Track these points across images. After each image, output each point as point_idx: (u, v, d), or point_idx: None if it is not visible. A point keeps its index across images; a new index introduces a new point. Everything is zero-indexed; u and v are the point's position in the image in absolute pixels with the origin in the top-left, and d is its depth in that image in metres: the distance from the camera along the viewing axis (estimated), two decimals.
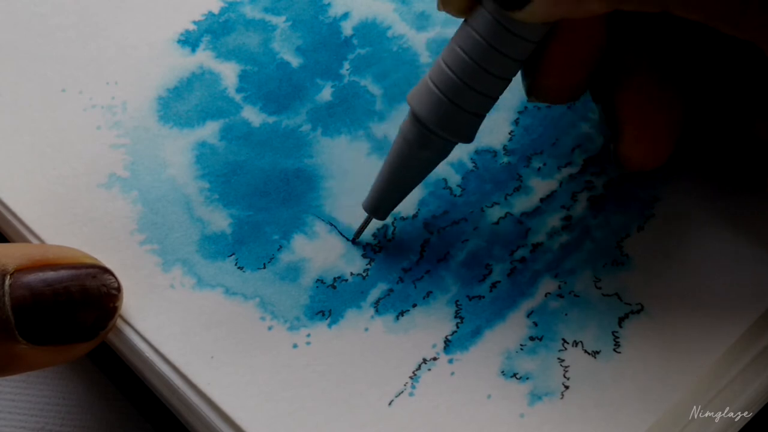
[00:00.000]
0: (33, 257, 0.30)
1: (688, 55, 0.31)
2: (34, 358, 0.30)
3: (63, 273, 0.30)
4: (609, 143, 0.33)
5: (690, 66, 0.31)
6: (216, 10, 0.38)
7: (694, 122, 0.32)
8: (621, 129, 0.31)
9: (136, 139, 0.35)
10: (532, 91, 0.31)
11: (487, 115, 0.33)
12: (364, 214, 0.33)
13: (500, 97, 0.32)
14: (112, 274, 0.31)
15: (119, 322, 0.31)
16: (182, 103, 0.36)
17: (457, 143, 0.31)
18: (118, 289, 0.31)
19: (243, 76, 0.36)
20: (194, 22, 0.37)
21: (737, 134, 0.32)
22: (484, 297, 0.31)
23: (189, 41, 0.37)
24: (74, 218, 0.33)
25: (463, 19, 0.30)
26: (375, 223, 0.33)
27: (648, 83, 0.31)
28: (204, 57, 0.37)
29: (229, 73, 0.36)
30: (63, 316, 0.30)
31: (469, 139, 0.31)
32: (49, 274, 0.30)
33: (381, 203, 0.32)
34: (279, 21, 0.37)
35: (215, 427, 0.30)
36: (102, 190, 0.34)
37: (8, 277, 0.29)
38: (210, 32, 0.37)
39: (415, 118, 0.30)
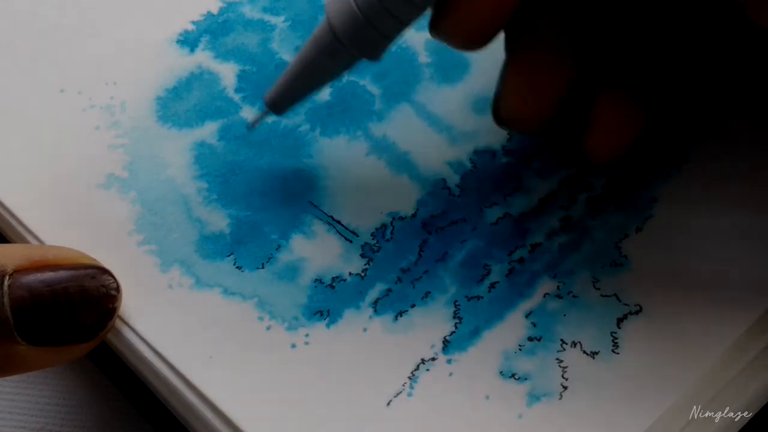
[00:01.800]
0: (32, 258, 0.30)
1: (592, 20, 0.31)
2: (33, 359, 0.30)
3: (62, 274, 0.30)
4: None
5: (590, 32, 0.31)
6: (215, 11, 0.38)
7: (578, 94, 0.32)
8: (505, 80, 0.31)
9: (135, 139, 0.35)
10: (435, 29, 0.31)
11: (486, 115, 0.34)
12: (361, 214, 0.33)
13: None
14: (111, 274, 0.31)
15: (118, 323, 0.31)
16: (181, 103, 0.36)
17: (361, 59, 0.31)
18: (117, 289, 0.31)
19: (242, 76, 0.36)
20: (193, 22, 0.37)
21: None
22: (482, 297, 0.31)
23: (188, 41, 0.37)
24: (72, 218, 0.33)
25: None
26: (373, 222, 0.33)
27: (544, 37, 0.31)
28: (203, 57, 0.36)
29: (228, 73, 0.36)
30: (62, 316, 0.30)
31: (375, 58, 0.31)
32: (48, 275, 0.30)
33: (281, 100, 0.33)
34: (278, 21, 0.37)
35: (214, 427, 0.30)
36: (100, 190, 0.34)
37: (7, 277, 0.29)
38: (209, 32, 0.37)
39: (328, 26, 0.31)
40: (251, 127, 0.34)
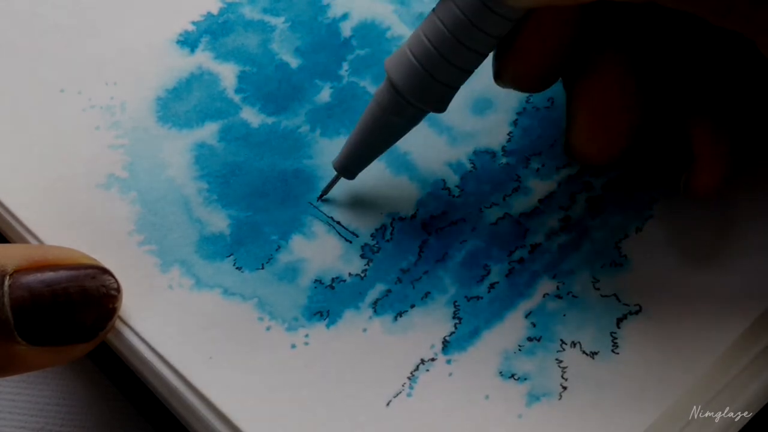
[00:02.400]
0: (32, 258, 0.30)
1: (658, 56, 0.31)
2: (33, 359, 0.30)
3: (62, 274, 0.30)
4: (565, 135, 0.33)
5: (657, 68, 0.31)
6: (215, 11, 0.38)
7: (653, 125, 0.32)
8: (575, 119, 0.31)
9: (135, 139, 0.35)
10: (500, 74, 0.31)
11: (486, 116, 0.34)
12: (361, 215, 0.33)
13: (498, 97, 0.32)
14: (111, 275, 0.31)
15: (118, 323, 0.31)
16: (181, 103, 0.36)
17: (428, 112, 0.32)
18: (118, 289, 0.31)
19: (242, 77, 0.36)
20: (193, 23, 0.37)
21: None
22: (482, 298, 0.31)
23: (188, 42, 0.37)
24: (73, 219, 0.33)
25: None
26: (373, 222, 0.33)
27: (611, 78, 0.31)
28: (203, 58, 0.36)
29: (228, 73, 0.36)
30: (62, 316, 0.30)
31: (440, 109, 0.32)
32: (49, 275, 0.30)
33: (351, 164, 0.33)
34: (278, 22, 0.37)
35: (214, 428, 0.30)
36: (101, 190, 0.34)
37: (8, 277, 0.29)
38: (209, 33, 0.37)
39: (390, 84, 0.31)
40: (321, 197, 0.34)
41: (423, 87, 0.31)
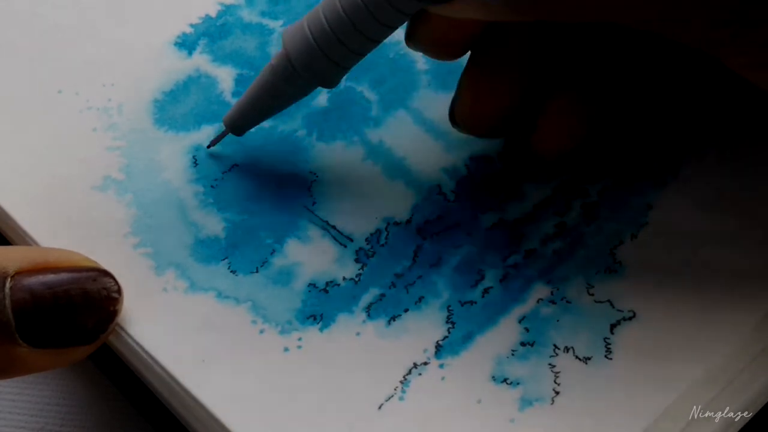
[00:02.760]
0: (34, 260, 0.30)
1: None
2: (34, 361, 0.30)
3: (63, 276, 0.30)
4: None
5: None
6: (213, 14, 0.38)
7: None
8: (460, 88, 0.33)
9: (132, 141, 0.35)
10: (412, 42, 0.32)
11: None
12: (356, 219, 0.33)
13: None
14: (112, 277, 0.31)
15: (117, 325, 0.31)
16: (178, 106, 0.36)
17: (317, 87, 0.32)
18: (119, 292, 0.31)
19: (239, 80, 0.36)
20: (191, 25, 0.37)
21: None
22: (476, 302, 0.31)
23: (186, 44, 0.37)
24: (69, 220, 0.33)
25: None
26: (367, 227, 0.33)
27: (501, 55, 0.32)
28: (201, 60, 0.37)
29: (225, 77, 0.36)
30: (63, 319, 0.30)
31: (330, 85, 0.32)
32: (50, 277, 0.30)
33: (239, 120, 0.34)
34: (276, 25, 0.37)
35: (214, 429, 0.30)
36: (97, 192, 0.34)
37: (9, 279, 0.29)
38: (207, 35, 0.37)
39: (285, 53, 0.32)
40: (210, 146, 0.35)
41: (315, 63, 0.31)
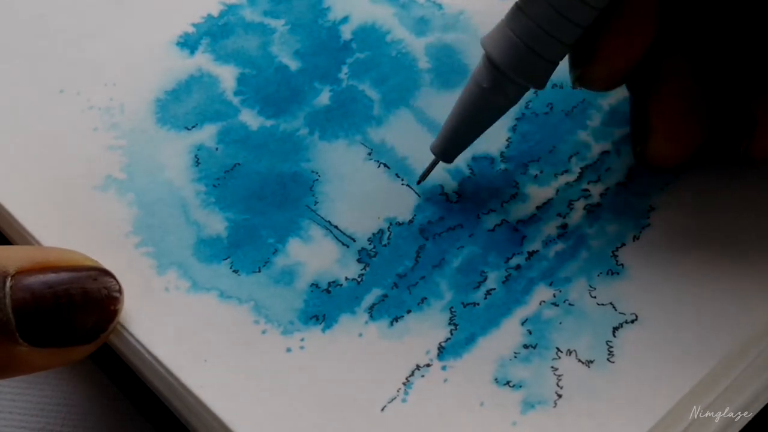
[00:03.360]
0: (34, 259, 0.30)
1: (722, 53, 0.32)
2: (34, 360, 0.30)
3: (64, 275, 0.30)
4: (636, 144, 0.33)
5: (722, 66, 0.32)
6: (215, 13, 0.38)
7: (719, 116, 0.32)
8: (651, 131, 0.32)
9: (133, 141, 0.35)
10: (581, 80, 0.32)
11: None
12: (358, 219, 0.33)
13: None
14: (113, 276, 0.31)
15: (119, 324, 0.31)
16: (180, 105, 0.36)
17: (528, 89, 0.32)
18: (120, 291, 0.31)
19: (241, 79, 0.36)
20: (193, 25, 0.37)
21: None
22: (478, 304, 0.31)
23: (188, 44, 0.37)
24: (70, 220, 0.33)
25: None
26: (370, 227, 0.33)
27: (681, 84, 0.31)
28: (203, 60, 0.36)
29: (227, 76, 0.36)
30: (63, 318, 0.30)
31: (541, 85, 0.32)
32: (50, 277, 0.30)
33: (449, 147, 0.33)
34: (278, 24, 0.37)
35: (215, 429, 0.30)
36: (98, 192, 0.34)
37: (9, 278, 0.29)
38: (209, 35, 0.37)
39: (490, 63, 0.31)
40: (420, 182, 0.34)
41: (525, 62, 0.31)
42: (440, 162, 0.33)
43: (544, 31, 0.30)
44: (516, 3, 0.31)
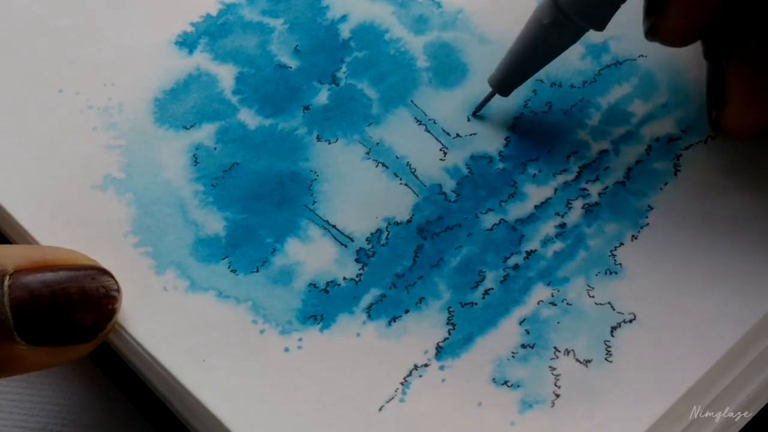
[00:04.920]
0: (32, 258, 0.30)
1: None
2: (33, 359, 0.30)
3: (62, 274, 0.30)
4: (712, 109, 0.32)
5: None
6: (214, 12, 0.37)
7: None
8: (729, 95, 0.31)
9: (132, 140, 0.35)
10: (654, 31, 0.31)
11: (484, 120, 0.33)
12: (357, 218, 0.33)
13: (496, 102, 0.33)
14: (111, 275, 0.31)
15: (117, 324, 0.31)
16: (178, 105, 0.35)
17: (588, 30, 0.32)
18: (118, 290, 0.31)
19: (240, 79, 0.36)
20: (192, 24, 0.37)
21: None
22: (476, 304, 0.31)
23: (186, 43, 0.37)
24: (69, 219, 0.33)
25: None
26: (368, 227, 0.33)
27: (762, 50, 0.30)
28: (201, 59, 0.36)
29: (226, 75, 0.36)
30: (61, 317, 0.30)
31: (601, 26, 0.32)
32: (48, 276, 0.30)
33: (506, 81, 0.34)
34: (277, 23, 0.37)
35: (215, 430, 0.30)
36: (97, 191, 0.34)
37: (7, 277, 0.29)
38: (208, 34, 0.37)
39: (553, 1, 0.31)
40: (476, 112, 0.34)
41: (586, 3, 0.31)
42: (498, 98, 0.34)
43: None
44: None
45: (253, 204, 0.34)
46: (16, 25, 0.37)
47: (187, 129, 0.35)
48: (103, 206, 0.33)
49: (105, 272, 0.31)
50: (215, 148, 0.35)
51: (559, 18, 0.31)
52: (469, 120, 0.34)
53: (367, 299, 0.32)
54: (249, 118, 0.35)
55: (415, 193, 0.34)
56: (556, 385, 0.30)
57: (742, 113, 0.31)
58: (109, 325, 0.31)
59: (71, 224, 0.33)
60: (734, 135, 0.32)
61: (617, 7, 0.31)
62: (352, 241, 0.33)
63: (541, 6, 0.32)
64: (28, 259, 0.30)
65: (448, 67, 0.36)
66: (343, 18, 0.37)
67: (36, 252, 0.30)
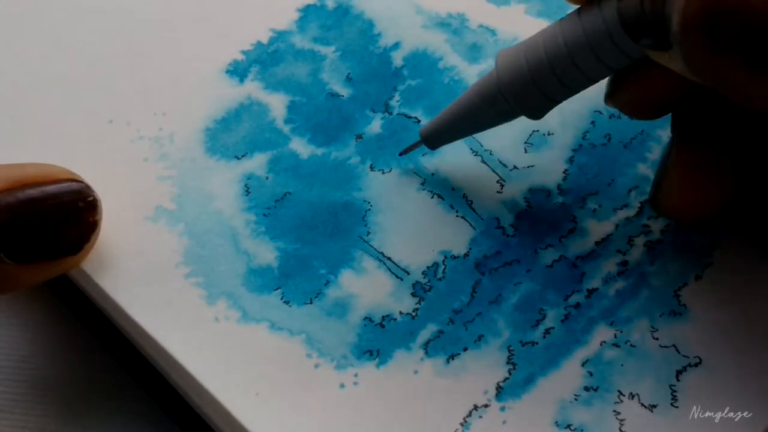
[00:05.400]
0: (11, 178, 0.30)
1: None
2: (22, 276, 0.31)
3: (41, 190, 0.30)
4: (652, 187, 0.33)
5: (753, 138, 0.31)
6: (265, 40, 0.37)
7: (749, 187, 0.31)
8: (669, 170, 0.31)
9: (183, 171, 0.34)
10: (614, 97, 0.31)
11: (541, 152, 0.33)
12: (412, 251, 0.33)
13: (554, 133, 0.33)
14: (89, 188, 0.32)
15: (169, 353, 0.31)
16: (230, 134, 0.35)
17: (522, 116, 0.31)
18: (95, 202, 0.32)
19: (291, 107, 0.36)
20: (243, 52, 0.37)
21: None
22: (537, 343, 0.31)
23: (237, 71, 0.36)
24: (121, 251, 0.33)
25: (575, 7, 0.29)
26: (424, 260, 0.33)
27: (707, 152, 0.30)
28: (252, 87, 0.36)
29: (277, 104, 0.36)
30: (44, 232, 0.30)
31: (537, 117, 0.31)
32: (28, 193, 0.30)
33: (436, 137, 0.33)
34: (328, 51, 0.37)
35: None
36: (149, 222, 0.33)
37: None
38: (259, 62, 0.36)
39: (497, 78, 0.31)
40: (402, 154, 0.34)
41: (526, 94, 0.30)
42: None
43: (552, 70, 0.30)
44: (538, 33, 0.30)
45: (305, 234, 0.33)
46: (67, 54, 0.36)
47: (238, 159, 0.35)
48: (155, 238, 0.33)
49: (83, 185, 0.31)
50: (267, 178, 0.34)
51: (499, 97, 0.31)
52: (526, 152, 0.34)
53: (424, 335, 0.31)
54: (301, 147, 0.35)
55: (471, 226, 0.33)
56: (620, 430, 0.29)
57: (678, 190, 0.31)
58: (93, 237, 0.32)
59: (123, 257, 0.33)
60: (668, 212, 0.32)
61: (556, 104, 0.31)
62: (408, 274, 0.32)
63: (484, 78, 0.31)
64: (6, 179, 0.30)
65: None
66: (396, 45, 0.37)
67: (14, 171, 0.31)
